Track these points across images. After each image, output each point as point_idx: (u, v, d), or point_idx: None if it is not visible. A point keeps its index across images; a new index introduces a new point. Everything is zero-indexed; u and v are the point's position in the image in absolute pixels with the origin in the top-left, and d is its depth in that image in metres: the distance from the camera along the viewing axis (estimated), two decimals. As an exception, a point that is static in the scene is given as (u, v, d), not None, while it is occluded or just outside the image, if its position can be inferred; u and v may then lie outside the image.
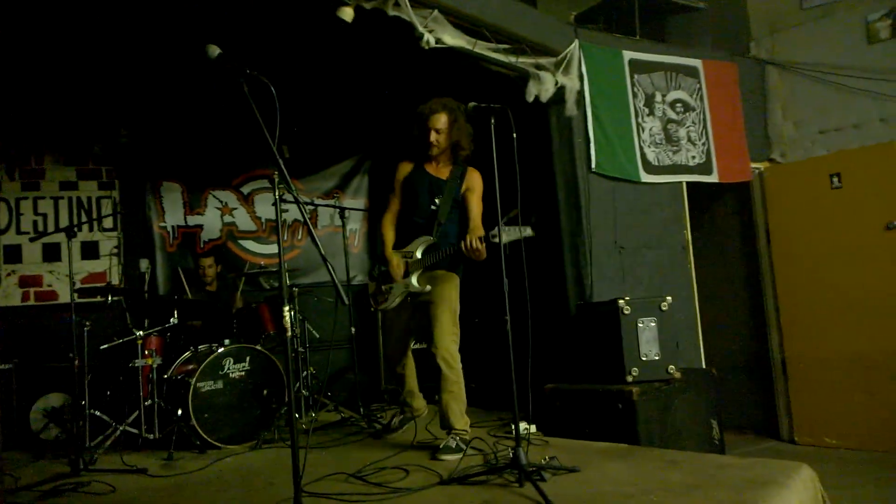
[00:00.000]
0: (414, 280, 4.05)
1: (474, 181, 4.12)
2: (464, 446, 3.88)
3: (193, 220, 6.84)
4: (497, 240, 3.49)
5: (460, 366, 4.06)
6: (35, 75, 5.79)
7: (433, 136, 4.05)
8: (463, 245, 3.71)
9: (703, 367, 5.54)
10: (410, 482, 3.39)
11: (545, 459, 3.44)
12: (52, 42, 5.23)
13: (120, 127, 6.56)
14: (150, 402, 4.78)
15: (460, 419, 4.04)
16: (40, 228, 6.29)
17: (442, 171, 4.19)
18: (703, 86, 5.95)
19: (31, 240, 6.20)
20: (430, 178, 4.16)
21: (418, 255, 4.07)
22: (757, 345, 6.38)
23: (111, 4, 4.68)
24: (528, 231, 3.49)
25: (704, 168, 5.86)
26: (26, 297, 6.18)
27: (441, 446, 3.92)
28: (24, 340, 5.74)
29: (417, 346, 5.56)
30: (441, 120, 4.04)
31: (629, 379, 4.41)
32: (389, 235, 4.27)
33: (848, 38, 6.08)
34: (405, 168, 4.26)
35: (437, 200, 4.10)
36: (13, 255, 6.22)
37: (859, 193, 5.72)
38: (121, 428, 4.65)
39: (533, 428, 4.49)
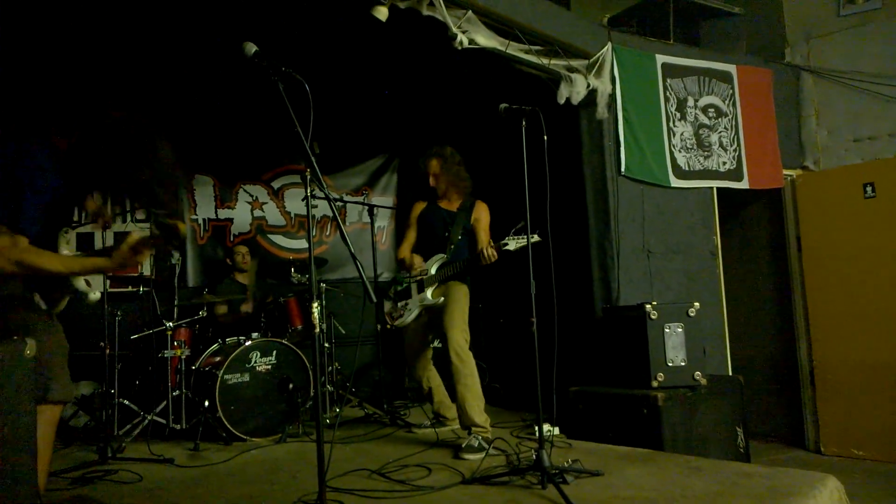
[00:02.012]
0: (429, 294, 4.40)
1: (481, 213, 4.54)
2: (486, 445, 3.91)
3: (224, 213, 6.92)
4: (507, 248, 3.91)
5: (472, 360, 4.24)
6: (73, 67, 5.89)
7: (431, 180, 4.56)
8: (480, 252, 4.10)
9: (730, 374, 5.49)
10: (433, 480, 3.41)
11: (568, 462, 3.44)
12: (92, 35, 5.32)
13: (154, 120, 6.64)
14: (177, 392, 4.86)
15: (479, 414, 4.12)
16: (75, 219, 6.37)
17: (452, 205, 4.60)
18: (737, 91, 5.90)
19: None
20: (442, 211, 4.59)
21: (432, 271, 4.43)
22: (784, 353, 6.31)
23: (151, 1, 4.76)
24: (535, 237, 3.69)
25: (735, 174, 5.81)
26: (59, 286, 6.27)
27: (463, 445, 3.94)
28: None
29: (439, 344, 5.61)
30: (433, 165, 4.55)
31: (654, 384, 4.39)
32: (406, 255, 4.61)
33: (885, 46, 5.99)
34: (420, 206, 4.72)
35: (449, 228, 4.51)
36: (48, 244, 6.32)
37: (893, 203, 5.63)
38: (149, 417, 4.74)
39: (556, 430, 4.49)
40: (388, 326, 4.66)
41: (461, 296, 4.38)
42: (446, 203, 4.60)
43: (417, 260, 4.47)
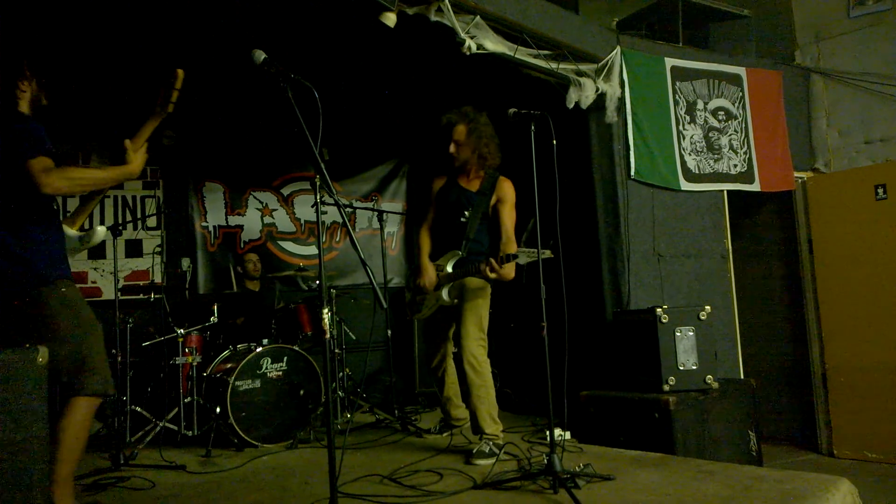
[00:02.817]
0: (444, 294, 4.19)
1: (505, 191, 4.10)
2: (497, 451, 3.90)
3: (234, 220, 6.95)
4: (518, 261, 3.64)
5: (488, 370, 4.08)
6: (84, 76, 5.93)
7: (452, 148, 4.12)
8: (485, 268, 3.77)
9: (742, 377, 5.47)
10: (444, 486, 3.41)
11: (579, 467, 3.43)
12: (103, 44, 5.36)
13: (165, 128, 6.69)
14: (189, 399, 4.88)
15: (490, 423, 4.06)
16: (86, 226, 6.41)
17: (473, 183, 4.23)
18: (746, 94, 5.88)
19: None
20: (460, 191, 4.22)
21: (448, 269, 4.18)
22: (796, 356, 6.28)
23: (158, 10, 4.79)
24: (547, 253, 3.54)
25: (746, 177, 5.79)
26: (71, 294, 6.31)
27: (474, 451, 3.93)
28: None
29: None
30: (458, 131, 4.10)
31: (666, 388, 4.38)
32: (426, 246, 4.37)
33: (896, 47, 5.97)
34: (439, 182, 4.36)
35: (466, 213, 4.15)
36: (60, 252, 6.36)
37: (905, 205, 5.61)
38: (161, 424, 4.75)
39: (567, 434, 4.47)
40: (408, 318, 4.59)
41: (476, 298, 4.08)
42: (465, 181, 4.23)
43: (430, 272, 4.21)
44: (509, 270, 3.75)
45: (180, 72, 3.06)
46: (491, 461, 3.79)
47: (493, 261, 3.74)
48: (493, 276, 3.78)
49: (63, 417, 2.86)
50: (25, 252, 2.82)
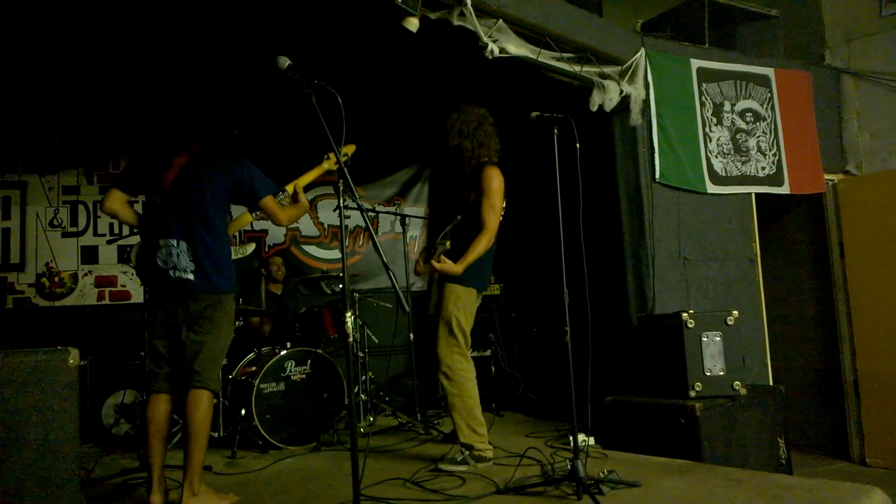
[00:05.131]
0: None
1: (484, 180, 3.95)
2: (469, 462, 3.82)
3: (259, 224, 6.98)
4: (444, 246, 3.94)
5: (464, 377, 3.94)
6: (114, 86, 6.01)
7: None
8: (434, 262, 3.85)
9: (770, 383, 5.39)
10: (467, 490, 3.40)
11: (604, 473, 3.40)
12: (130, 54, 5.42)
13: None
14: (215, 401, 4.90)
15: (467, 433, 3.90)
16: (116, 231, 6.53)
17: (467, 177, 4.18)
18: (775, 95, 5.80)
19: (108, 242, 6.45)
20: (455, 189, 4.38)
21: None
22: (827, 362, 6.17)
23: (181, 19, 4.84)
24: (458, 218, 3.94)
25: (775, 179, 5.71)
26: (101, 297, 6.41)
27: (447, 455, 3.95)
28: (99, 338, 5.96)
29: (477, 353, 5.62)
30: (448, 120, 4.31)
31: (692, 394, 4.32)
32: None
33: (929, 46, 5.86)
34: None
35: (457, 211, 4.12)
36: (90, 255, 6.46)
37: (939, 207, 5.49)
38: (187, 426, 4.78)
39: (592, 440, 4.44)
40: (430, 312, 4.55)
41: (449, 302, 3.95)
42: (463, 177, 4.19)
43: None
44: (442, 268, 3.78)
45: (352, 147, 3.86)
46: (458, 468, 3.76)
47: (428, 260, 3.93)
48: (438, 268, 3.78)
49: (194, 412, 3.23)
50: (230, 265, 3.43)
